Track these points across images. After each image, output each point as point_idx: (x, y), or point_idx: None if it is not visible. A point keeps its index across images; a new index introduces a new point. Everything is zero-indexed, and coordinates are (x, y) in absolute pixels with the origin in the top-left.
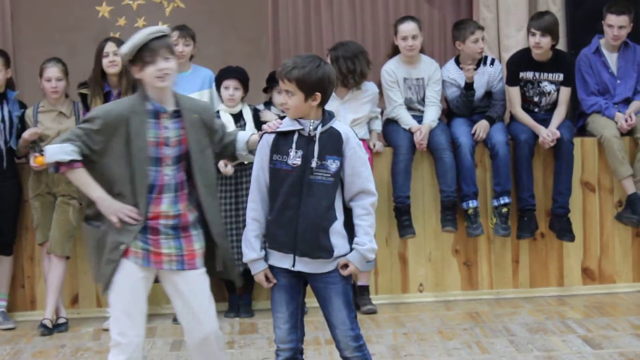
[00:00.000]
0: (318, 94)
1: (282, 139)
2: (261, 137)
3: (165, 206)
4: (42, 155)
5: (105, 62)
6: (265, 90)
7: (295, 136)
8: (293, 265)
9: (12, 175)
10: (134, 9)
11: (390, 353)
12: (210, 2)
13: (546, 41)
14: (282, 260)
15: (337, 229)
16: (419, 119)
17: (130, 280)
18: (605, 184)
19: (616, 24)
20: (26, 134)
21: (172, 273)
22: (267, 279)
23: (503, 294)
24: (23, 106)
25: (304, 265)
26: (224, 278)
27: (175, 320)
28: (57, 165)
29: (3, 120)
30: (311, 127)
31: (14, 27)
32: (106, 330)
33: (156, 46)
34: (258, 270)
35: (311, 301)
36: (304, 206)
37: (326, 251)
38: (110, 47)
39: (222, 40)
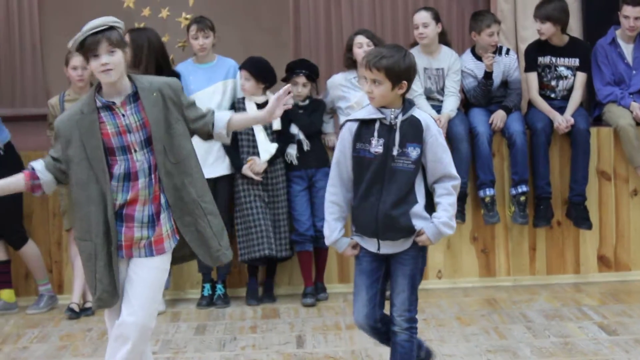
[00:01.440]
0: (405, 83)
1: (365, 128)
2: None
3: (141, 191)
4: None
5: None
6: (285, 80)
7: (377, 125)
8: (378, 249)
9: (6, 168)
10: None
11: None
12: None
13: (546, 27)
14: (368, 244)
15: (418, 211)
16: (438, 109)
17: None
18: (621, 173)
19: (632, 14)
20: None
21: (136, 261)
22: (354, 248)
23: (520, 281)
24: None
25: (388, 247)
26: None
27: (199, 304)
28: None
29: None
30: (392, 116)
31: (41, 17)
32: None
33: (97, 40)
34: (343, 248)
35: (331, 287)
36: (386, 192)
37: (407, 231)
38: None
39: (243, 30)
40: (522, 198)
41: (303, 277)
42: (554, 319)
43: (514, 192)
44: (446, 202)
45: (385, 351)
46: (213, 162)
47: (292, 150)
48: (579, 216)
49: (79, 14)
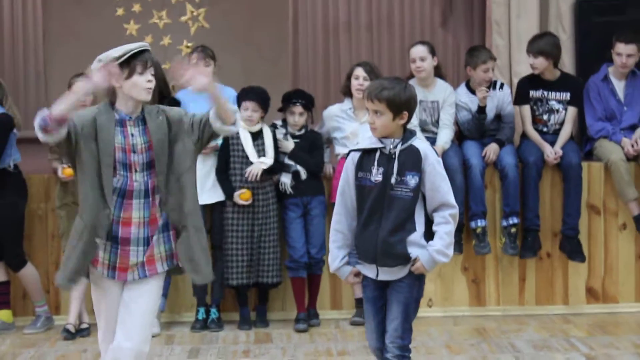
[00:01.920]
0: (406, 113)
1: (366, 157)
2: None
3: (135, 212)
4: (69, 167)
5: None
6: (281, 110)
7: (377, 154)
8: (377, 276)
9: (6, 192)
10: (160, 27)
11: None
12: (233, 22)
13: (539, 62)
14: (368, 271)
15: (415, 239)
16: (433, 141)
17: (106, 292)
18: (611, 207)
19: (625, 52)
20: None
21: (132, 285)
22: (356, 276)
23: (509, 310)
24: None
25: (385, 274)
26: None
27: (193, 327)
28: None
29: None
30: (391, 146)
31: (45, 44)
32: None
33: (147, 58)
34: (345, 275)
35: (323, 313)
36: (385, 220)
37: (403, 258)
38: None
39: (243, 59)
40: (513, 229)
41: (296, 303)
42: (542, 350)
43: (505, 223)
44: (442, 230)
45: None
46: (210, 188)
47: (286, 180)
48: (573, 249)
49: (82, 41)
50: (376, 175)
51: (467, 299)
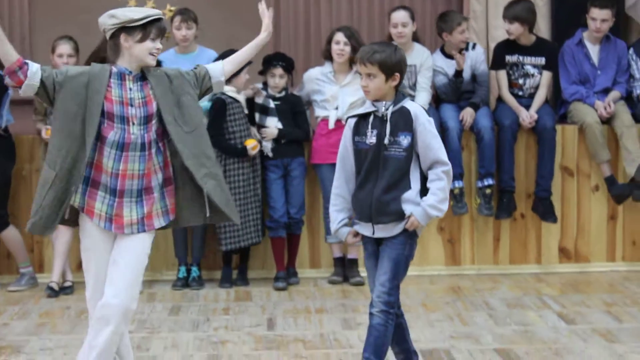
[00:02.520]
0: (397, 75)
1: (362, 122)
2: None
3: (130, 164)
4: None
5: None
6: (262, 72)
7: (372, 117)
8: (373, 233)
9: None
10: None
11: None
12: None
13: (515, 27)
14: (365, 229)
15: (410, 197)
16: None
17: (98, 246)
18: (584, 169)
19: (599, 17)
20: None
21: (125, 235)
22: (355, 236)
23: (484, 270)
24: None
25: (381, 231)
26: (219, 222)
27: (174, 286)
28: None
29: None
30: (383, 109)
31: (31, 9)
32: None
33: (162, 26)
34: (344, 235)
35: (302, 272)
36: (380, 179)
37: (398, 215)
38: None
39: (225, 25)
40: (488, 191)
41: (275, 261)
42: (515, 308)
43: (480, 184)
44: (435, 186)
45: (351, 334)
46: None
47: (267, 143)
48: (546, 210)
49: (67, 4)
50: (371, 137)
51: (443, 258)
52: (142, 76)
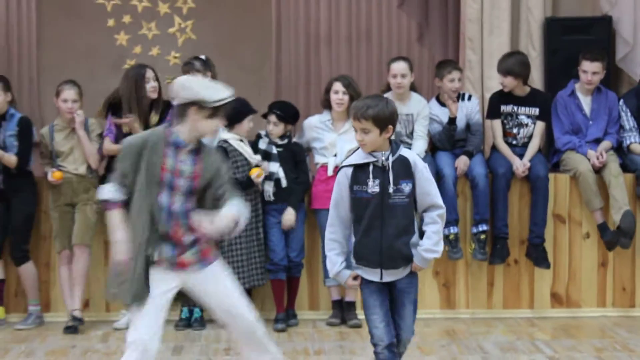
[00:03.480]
0: (391, 127)
1: (359, 171)
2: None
3: (176, 226)
4: (59, 170)
5: (147, 87)
6: (264, 116)
7: (371, 167)
8: (381, 278)
9: (23, 193)
10: (149, 38)
11: None
12: (218, 34)
13: (508, 81)
14: (371, 274)
15: (415, 241)
16: None
17: (156, 288)
18: (575, 217)
19: (590, 69)
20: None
21: (196, 274)
22: (354, 279)
23: (478, 314)
24: (28, 123)
25: (390, 276)
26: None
27: (176, 326)
28: (103, 202)
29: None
30: (383, 158)
31: (39, 52)
32: (117, 329)
33: (228, 108)
34: (345, 278)
35: (301, 314)
36: (387, 226)
37: (408, 259)
38: (150, 73)
39: (228, 69)
40: (482, 236)
41: (275, 303)
42: (508, 351)
43: (474, 230)
44: (430, 230)
45: None
46: None
47: (269, 187)
48: (539, 256)
49: (74, 50)
50: (373, 186)
51: (438, 302)
52: (197, 150)
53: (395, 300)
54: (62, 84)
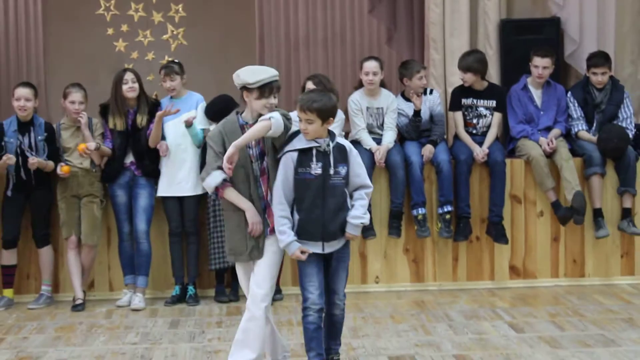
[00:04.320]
0: (332, 119)
1: (303, 155)
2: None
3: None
4: (67, 165)
5: (125, 88)
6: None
7: (314, 152)
8: (323, 250)
9: (43, 186)
10: (145, 45)
11: (350, 333)
12: (208, 39)
13: (468, 76)
14: (314, 247)
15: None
16: (378, 141)
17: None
18: (530, 197)
19: (541, 64)
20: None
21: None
22: (302, 253)
23: (445, 286)
24: (52, 128)
25: (330, 247)
26: None
27: (166, 303)
28: (216, 190)
29: (31, 147)
30: (325, 145)
31: (46, 59)
32: (120, 307)
33: (275, 86)
34: (295, 249)
35: (285, 289)
36: (327, 204)
37: (344, 232)
38: (129, 75)
39: (216, 71)
40: (447, 216)
41: None
42: (472, 319)
43: (440, 211)
44: (358, 203)
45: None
46: (180, 182)
47: None
48: (498, 233)
49: (77, 56)
50: (316, 169)
51: (408, 276)
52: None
53: (331, 269)
54: (70, 87)
